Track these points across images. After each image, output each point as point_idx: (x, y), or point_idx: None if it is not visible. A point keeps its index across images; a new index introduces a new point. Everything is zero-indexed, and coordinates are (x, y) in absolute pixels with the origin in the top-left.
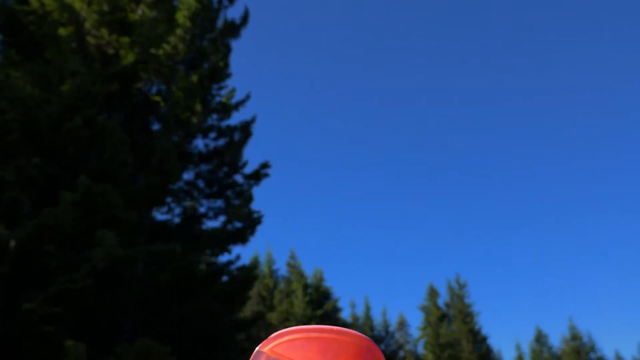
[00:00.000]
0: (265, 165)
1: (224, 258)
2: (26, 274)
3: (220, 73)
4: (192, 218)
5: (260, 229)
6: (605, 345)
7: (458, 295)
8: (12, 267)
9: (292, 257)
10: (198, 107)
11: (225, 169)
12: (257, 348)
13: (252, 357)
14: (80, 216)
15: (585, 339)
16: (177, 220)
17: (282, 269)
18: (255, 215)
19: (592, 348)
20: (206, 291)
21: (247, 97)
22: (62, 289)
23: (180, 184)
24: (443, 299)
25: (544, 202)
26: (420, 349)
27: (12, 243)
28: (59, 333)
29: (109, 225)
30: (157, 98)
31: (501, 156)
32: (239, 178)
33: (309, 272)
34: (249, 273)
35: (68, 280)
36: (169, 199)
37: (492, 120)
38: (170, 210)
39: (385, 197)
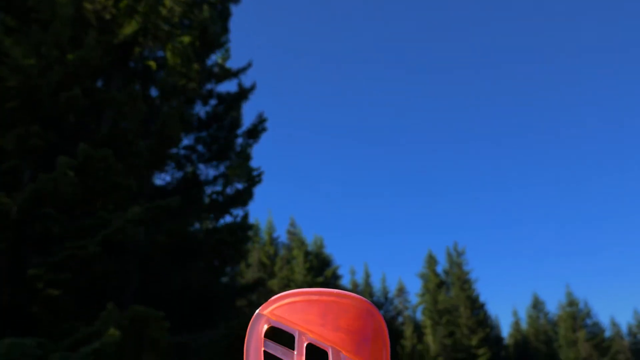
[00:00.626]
0: (262, 120)
1: (224, 221)
2: (30, 240)
3: (218, 38)
4: (192, 183)
5: (260, 198)
6: (601, 311)
7: (456, 262)
8: (14, 234)
9: (293, 224)
10: (196, 72)
11: (224, 132)
12: (257, 311)
13: (252, 320)
14: (80, 182)
15: (581, 305)
16: (177, 185)
17: (283, 237)
18: (254, 173)
19: (588, 314)
20: (204, 254)
21: (249, 65)
22: (69, 255)
23: (178, 150)
24: (441, 266)
25: (542, 169)
26: (419, 315)
27: (14, 210)
28: (66, 298)
29: (110, 191)
30: (153, 64)
31: (499, 121)
32: (238, 140)
33: (309, 239)
34: (244, 225)
35: (76, 247)
36: (169, 165)
37: (488, 86)
38: (171, 175)
39: (384, 165)
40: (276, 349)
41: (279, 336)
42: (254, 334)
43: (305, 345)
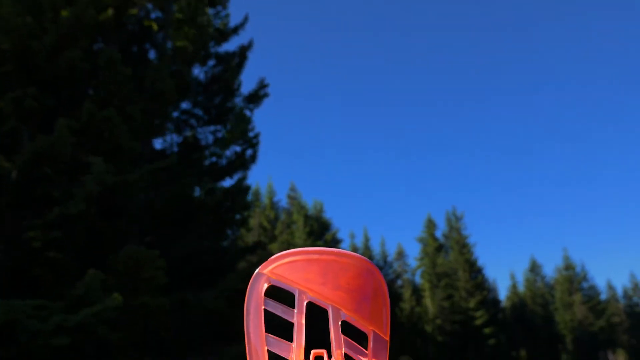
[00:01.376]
0: (263, 85)
1: (224, 184)
2: (30, 203)
3: None
4: (191, 147)
5: (260, 163)
6: (597, 274)
7: (455, 227)
8: (14, 197)
9: (293, 189)
10: (194, 33)
11: (223, 95)
12: (257, 270)
13: (252, 279)
14: (81, 144)
15: (578, 269)
16: (176, 149)
17: (283, 201)
18: (252, 134)
19: (584, 277)
20: (205, 216)
21: (245, 20)
22: (59, 215)
23: (178, 113)
24: (440, 230)
25: (540, 132)
26: (418, 279)
27: (14, 174)
28: (66, 260)
29: (111, 153)
30: (154, 24)
31: (499, 83)
32: (237, 101)
33: (310, 204)
34: (242, 187)
35: (65, 207)
36: (168, 128)
37: (490, 46)
38: (170, 140)
39: (384, 130)
40: (276, 307)
41: (279, 296)
42: (254, 293)
43: (305, 303)
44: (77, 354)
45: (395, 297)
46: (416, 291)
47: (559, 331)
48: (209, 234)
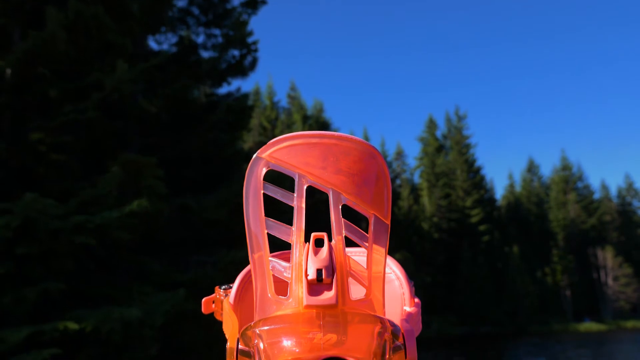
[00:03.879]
0: None
1: (223, 90)
2: (28, 103)
3: None
4: (188, 48)
5: (261, 62)
6: (593, 174)
7: (456, 127)
8: (11, 97)
9: (293, 88)
10: None
11: None
12: (255, 154)
13: (250, 163)
14: (72, 40)
15: (574, 169)
16: (173, 50)
17: (283, 101)
18: (250, 40)
19: (580, 177)
20: (205, 121)
21: None
22: (70, 120)
23: (174, 11)
24: (441, 130)
25: (542, 30)
26: (417, 178)
27: (8, 71)
28: (69, 161)
29: (104, 51)
30: None
31: None
32: (235, 2)
33: (309, 104)
34: (244, 102)
35: (75, 111)
36: (164, 29)
37: None
38: (166, 40)
39: (385, 28)
40: (275, 192)
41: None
42: (252, 177)
43: (305, 187)
44: (90, 254)
45: (393, 196)
46: (414, 190)
47: (551, 229)
48: (209, 138)
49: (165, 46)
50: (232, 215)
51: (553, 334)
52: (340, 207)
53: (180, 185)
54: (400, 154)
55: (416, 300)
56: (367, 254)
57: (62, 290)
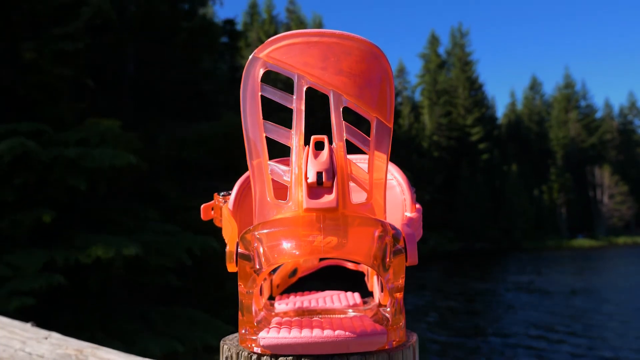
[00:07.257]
0: None
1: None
2: (17, 20)
3: None
4: None
5: None
6: (597, 93)
7: (459, 43)
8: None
9: (292, 2)
10: None
11: None
12: (252, 54)
13: (247, 64)
14: None
15: (578, 87)
16: None
17: (282, 15)
18: None
19: (584, 96)
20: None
21: None
22: (59, 49)
23: None
24: (444, 46)
25: None
26: (417, 96)
27: None
28: (63, 87)
29: None
30: None
31: None
32: None
33: (309, 18)
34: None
35: (64, 35)
36: None
37: None
38: None
39: None
40: (274, 93)
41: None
42: (249, 79)
43: (304, 89)
44: (92, 192)
45: (394, 114)
46: (415, 108)
47: (550, 147)
48: (200, 56)
49: None
50: (228, 142)
51: (546, 250)
52: (341, 109)
53: (174, 114)
54: (401, 71)
55: (417, 206)
56: (369, 157)
57: (75, 215)
